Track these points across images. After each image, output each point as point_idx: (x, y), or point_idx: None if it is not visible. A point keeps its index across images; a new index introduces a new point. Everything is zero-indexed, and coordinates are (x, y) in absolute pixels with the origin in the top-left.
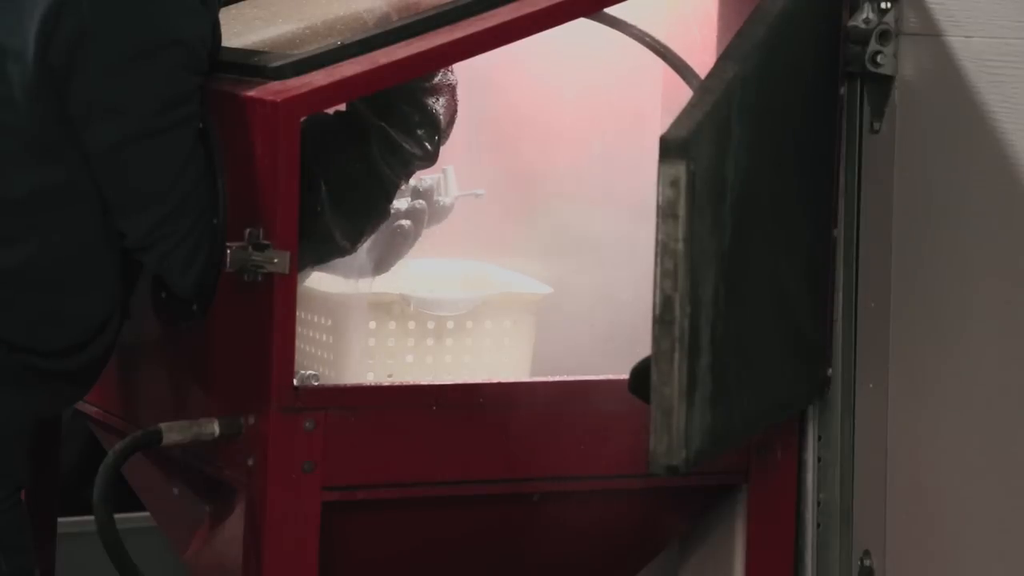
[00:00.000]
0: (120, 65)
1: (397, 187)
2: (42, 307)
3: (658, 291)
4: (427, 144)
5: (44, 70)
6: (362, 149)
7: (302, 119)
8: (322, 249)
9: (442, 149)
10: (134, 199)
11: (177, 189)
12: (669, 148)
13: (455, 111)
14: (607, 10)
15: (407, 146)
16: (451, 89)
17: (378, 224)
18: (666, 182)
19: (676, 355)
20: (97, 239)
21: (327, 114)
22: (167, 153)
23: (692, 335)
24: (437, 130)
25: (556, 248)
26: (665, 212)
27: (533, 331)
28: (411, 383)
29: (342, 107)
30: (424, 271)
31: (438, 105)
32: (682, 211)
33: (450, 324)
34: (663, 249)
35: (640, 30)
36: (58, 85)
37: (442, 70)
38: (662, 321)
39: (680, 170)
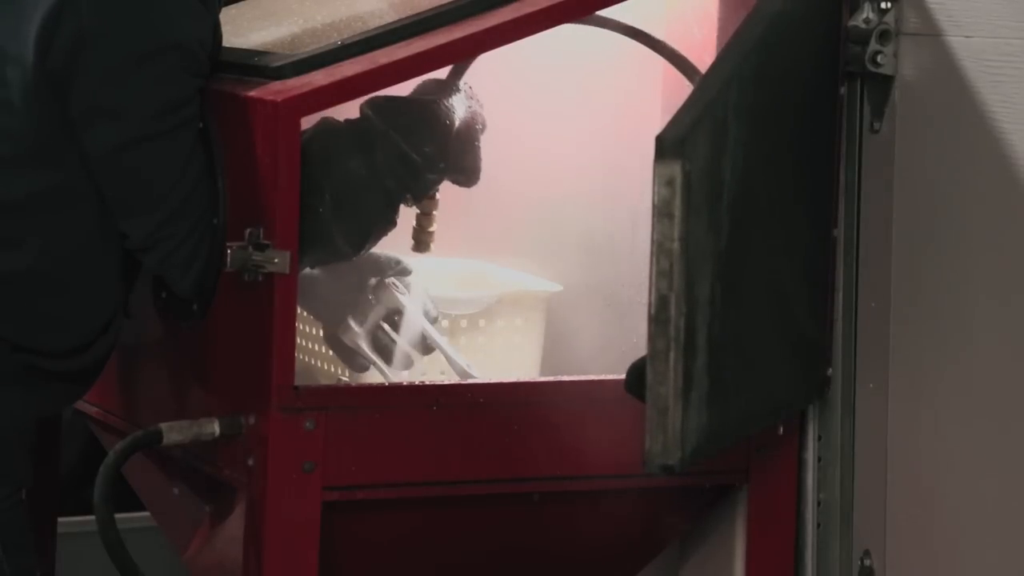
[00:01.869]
0: (120, 69)
1: (402, 197)
2: (46, 310)
3: (654, 290)
4: (437, 158)
5: (44, 74)
6: (368, 155)
7: (311, 125)
8: (323, 251)
9: None
10: (135, 201)
11: (178, 191)
12: (664, 147)
13: (474, 131)
14: (612, 13)
15: (416, 157)
16: (472, 113)
17: (382, 232)
18: (661, 181)
19: (672, 354)
20: (96, 240)
21: (336, 120)
22: (168, 155)
23: (688, 334)
24: (448, 144)
25: (557, 248)
26: (660, 211)
27: (543, 329)
28: (411, 383)
29: (353, 114)
30: (427, 270)
31: (454, 120)
32: (678, 211)
33: (463, 323)
34: (659, 248)
35: (644, 32)
36: (58, 89)
37: (465, 90)
38: (658, 320)
39: (675, 169)
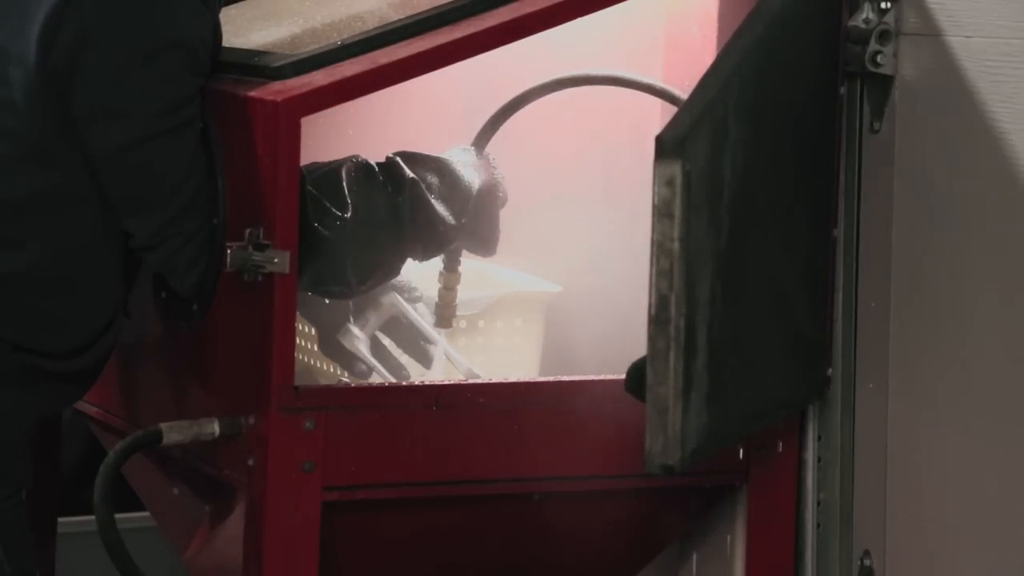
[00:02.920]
0: (122, 67)
1: (414, 247)
2: (47, 311)
3: (654, 290)
4: (457, 215)
5: (46, 73)
6: (393, 197)
7: (341, 158)
8: (329, 277)
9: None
10: (140, 200)
11: (183, 190)
12: (664, 147)
13: (496, 200)
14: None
15: (439, 209)
16: (495, 182)
17: (385, 277)
18: (661, 181)
19: (671, 355)
20: (98, 240)
21: (367, 160)
22: (172, 154)
23: (688, 335)
24: (468, 205)
25: (557, 248)
26: (661, 212)
27: (542, 330)
28: (411, 383)
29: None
30: (428, 270)
31: (475, 184)
32: (678, 211)
33: (463, 323)
34: (659, 249)
35: (637, 79)
36: (60, 88)
37: (491, 165)
38: (658, 321)
39: (675, 169)
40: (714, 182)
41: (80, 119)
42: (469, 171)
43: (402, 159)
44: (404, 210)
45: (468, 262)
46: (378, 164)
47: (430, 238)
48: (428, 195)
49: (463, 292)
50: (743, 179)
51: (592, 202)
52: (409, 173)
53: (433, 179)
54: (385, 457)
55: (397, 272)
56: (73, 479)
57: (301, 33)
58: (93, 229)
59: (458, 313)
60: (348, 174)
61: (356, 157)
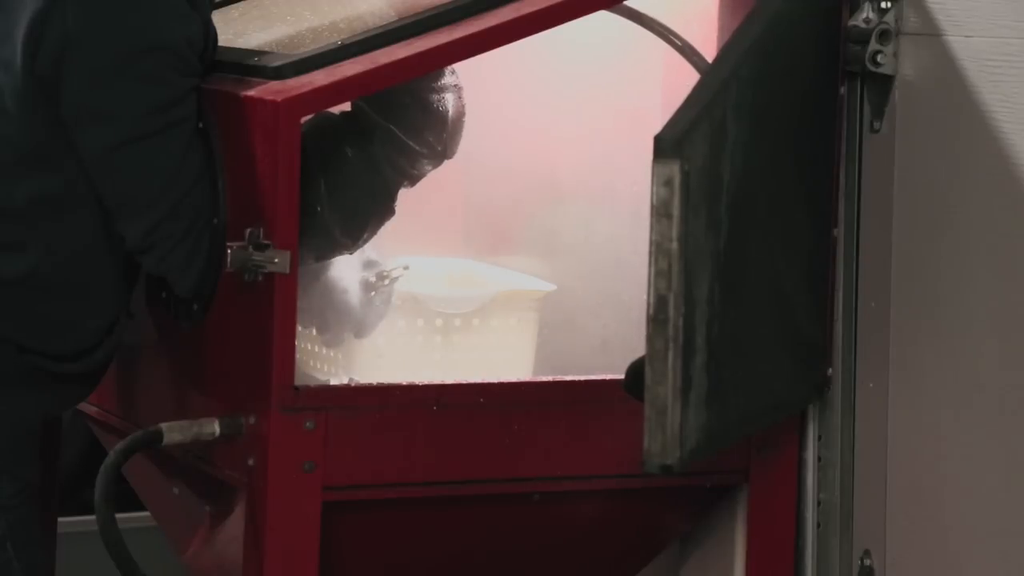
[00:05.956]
0: (106, 71)
1: (399, 186)
2: (53, 313)
3: (652, 290)
4: (434, 143)
5: (34, 78)
6: (365, 149)
7: (305, 119)
8: (321, 246)
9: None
10: (129, 203)
11: (171, 192)
12: (663, 147)
13: (462, 112)
14: None
15: (415, 145)
16: (457, 89)
17: (380, 223)
18: (660, 181)
19: (670, 354)
20: (99, 243)
21: (332, 114)
22: (159, 156)
23: (686, 334)
24: (444, 129)
25: (554, 248)
26: (659, 211)
27: (536, 328)
28: (411, 383)
29: (347, 107)
30: (422, 270)
31: (445, 104)
32: (676, 210)
33: (457, 322)
34: (657, 248)
35: (659, 23)
36: (49, 92)
37: (447, 71)
38: (656, 320)
39: (674, 169)
40: (713, 182)
41: (69, 122)
42: (438, 95)
43: (369, 103)
44: (381, 160)
45: (464, 262)
46: (344, 115)
47: (414, 174)
48: (404, 138)
49: (457, 291)
50: (742, 179)
51: (592, 201)
52: (378, 120)
53: (406, 116)
54: (385, 457)
55: (392, 212)
56: (73, 479)
57: (301, 33)
58: (94, 232)
59: (453, 312)
60: (314, 142)
61: (319, 115)
